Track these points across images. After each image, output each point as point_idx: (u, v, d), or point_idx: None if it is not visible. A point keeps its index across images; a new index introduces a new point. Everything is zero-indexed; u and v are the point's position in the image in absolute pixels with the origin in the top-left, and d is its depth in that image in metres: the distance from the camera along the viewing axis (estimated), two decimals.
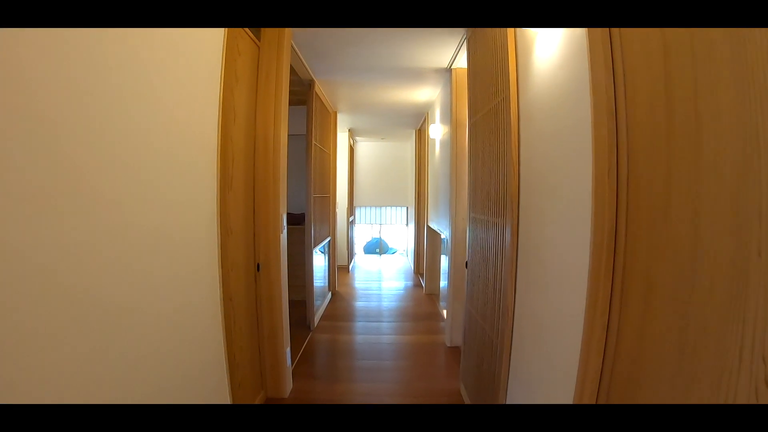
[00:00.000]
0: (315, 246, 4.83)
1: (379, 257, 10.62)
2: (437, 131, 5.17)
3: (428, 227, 6.15)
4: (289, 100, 5.60)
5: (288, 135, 5.84)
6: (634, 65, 1.15)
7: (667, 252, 1.01)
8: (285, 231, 2.94)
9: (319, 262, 5.82)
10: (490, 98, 2.42)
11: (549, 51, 1.66)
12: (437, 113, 5.20)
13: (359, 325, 4.85)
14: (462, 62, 3.79)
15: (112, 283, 1.30)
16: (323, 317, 5.05)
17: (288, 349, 3.10)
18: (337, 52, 3.65)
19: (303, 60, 3.81)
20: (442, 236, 4.99)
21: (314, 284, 4.94)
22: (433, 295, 6.23)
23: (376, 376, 3.46)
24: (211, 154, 1.98)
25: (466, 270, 2.98)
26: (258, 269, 2.75)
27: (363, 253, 11.44)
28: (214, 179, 2.01)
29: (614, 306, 1.23)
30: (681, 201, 0.96)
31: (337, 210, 6.84)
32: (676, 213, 0.98)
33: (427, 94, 5.09)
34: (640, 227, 1.13)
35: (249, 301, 2.66)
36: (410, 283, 7.23)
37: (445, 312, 5.04)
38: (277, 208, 2.77)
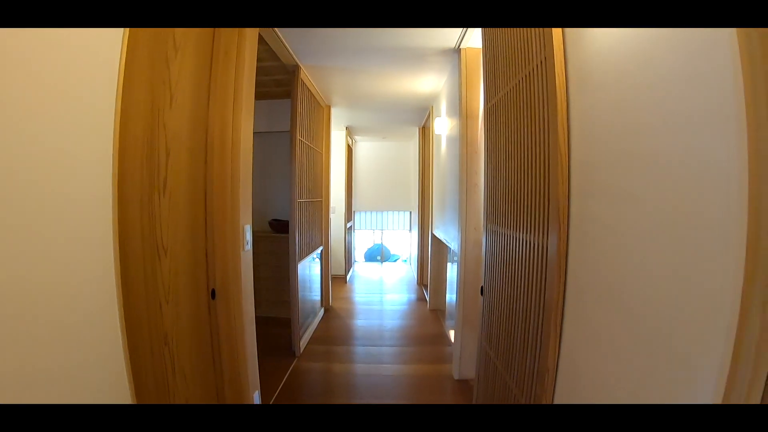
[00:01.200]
0: (302, 258, 4.19)
1: (381, 265, 9.96)
2: (443, 125, 4.52)
3: (433, 235, 5.49)
4: (274, 91, 4.97)
5: (270, 132, 5.30)
6: None
7: None
8: (249, 246, 2.30)
9: (314, 271, 5.19)
10: (517, 69, 1.77)
11: None
12: (443, 105, 4.56)
13: (355, 351, 4.17)
14: (473, 40, 3.15)
15: None
16: (312, 340, 4.38)
17: (257, 393, 2.46)
18: (325, 31, 3.02)
19: (283, 40, 3.17)
20: (450, 247, 4.34)
21: (302, 300, 4.29)
22: (438, 311, 5.56)
23: None
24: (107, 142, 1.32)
25: (482, 297, 2.33)
26: (213, 296, 2.10)
27: (364, 260, 10.79)
28: (109, 178, 1.33)
29: None
30: None
31: (331, 215, 6.19)
32: None
33: (432, 83, 4.45)
34: None
35: (200, 338, 2.02)
36: (413, 296, 6.57)
37: (452, 334, 4.39)
38: (236, 219, 2.13)
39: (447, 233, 4.27)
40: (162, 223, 1.68)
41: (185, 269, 1.88)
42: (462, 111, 3.31)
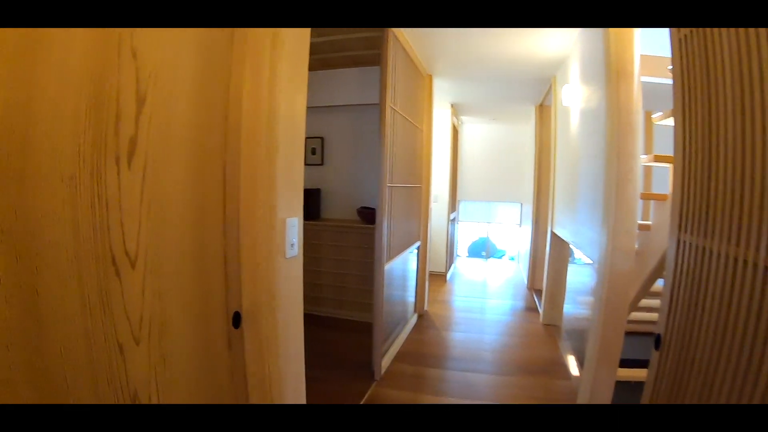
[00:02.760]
0: (391, 257, 3.44)
1: (486, 261, 9.01)
2: (575, 95, 3.50)
3: (553, 234, 4.49)
4: (365, 56, 4.11)
5: (361, 104, 4.49)
6: None
7: None
8: (297, 249, 1.56)
9: (410, 266, 4.44)
10: None
11: None
12: (574, 69, 3.55)
13: (449, 377, 3.35)
14: None
15: None
16: (399, 356, 3.63)
17: None
18: None
19: None
20: (576, 250, 3.38)
21: (391, 304, 3.56)
22: (552, 326, 4.56)
23: None
24: None
25: (656, 352, 1.42)
26: (236, 324, 1.39)
27: (466, 255, 9.87)
28: None
29: None
30: None
31: (433, 204, 5.39)
32: None
33: (558, 40, 3.47)
34: None
35: (210, 389, 1.35)
36: (521, 303, 5.58)
37: (571, 362, 3.43)
38: (271, 210, 1.40)
39: (577, 235, 3.28)
40: (125, 213, 1.01)
41: (182, 285, 1.21)
42: (611, 68, 2.35)
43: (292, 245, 1.52)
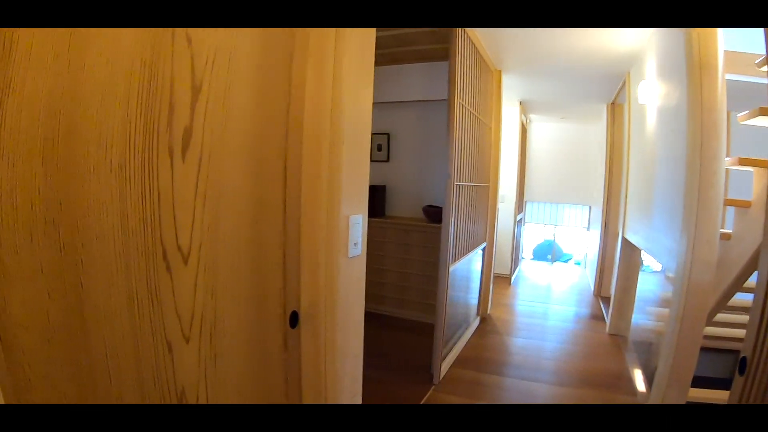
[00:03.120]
0: (456, 258, 3.38)
1: (551, 265, 8.73)
2: (651, 92, 3.29)
3: (624, 239, 4.27)
4: (432, 51, 4.06)
5: (427, 100, 4.46)
6: None
7: None
8: (360, 249, 1.55)
9: (474, 267, 4.36)
10: None
11: None
12: (650, 65, 3.34)
13: (506, 385, 3.26)
14: None
15: None
16: (458, 361, 3.55)
17: None
18: None
19: None
20: (656, 265, 3.19)
21: (453, 306, 3.51)
22: (618, 337, 4.32)
23: None
24: None
25: (740, 377, 1.31)
26: (293, 324, 1.40)
27: (531, 258, 9.61)
28: None
29: None
30: None
31: (499, 205, 5.26)
32: None
33: (632, 37, 3.30)
34: None
35: (263, 390, 1.35)
36: (586, 310, 5.34)
37: (638, 376, 3.25)
38: (335, 207, 1.39)
39: (651, 242, 3.09)
40: (178, 206, 0.99)
41: (237, 282, 1.20)
42: (693, 63, 2.19)
43: (356, 244, 1.50)
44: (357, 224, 1.50)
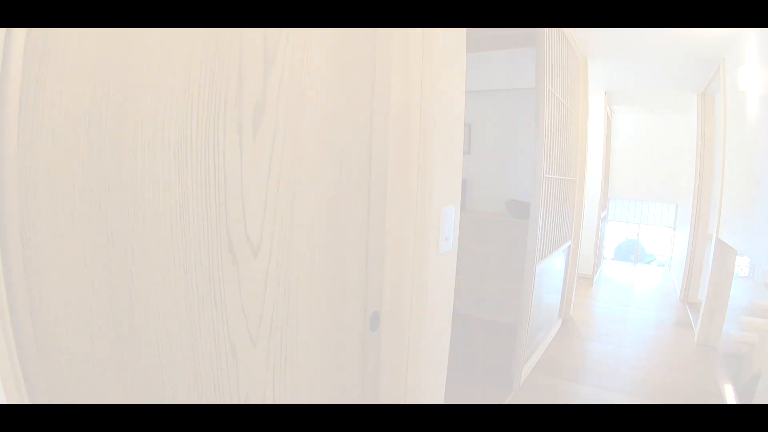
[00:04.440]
0: (544, 256, 3.16)
1: (633, 266, 8.20)
2: (753, 78, 2.96)
3: (719, 241, 3.83)
4: (514, 37, 3.74)
5: (510, 89, 4.25)
6: None
7: None
8: (452, 244, 1.37)
9: (556, 267, 4.10)
10: None
11: None
12: (750, 49, 3.01)
13: (581, 393, 3.08)
14: None
15: None
16: (539, 366, 3.37)
17: None
18: None
19: None
20: (745, 272, 2.84)
21: (535, 307, 3.27)
22: (709, 348, 3.94)
23: None
24: None
25: None
26: (373, 326, 1.24)
27: (612, 257, 9.08)
28: None
29: None
30: None
31: (585, 201, 4.94)
32: None
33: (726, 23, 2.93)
34: None
35: (338, 393, 1.23)
36: (670, 316, 4.95)
37: (728, 392, 2.94)
38: (427, 198, 1.21)
39: (755, 245, 2.79)
40: (247, 191, 0.85)
41: (313, 279, 1.05)
42: None
43: (447, 238, 1.33)
44: (449, 216, 1.33)
